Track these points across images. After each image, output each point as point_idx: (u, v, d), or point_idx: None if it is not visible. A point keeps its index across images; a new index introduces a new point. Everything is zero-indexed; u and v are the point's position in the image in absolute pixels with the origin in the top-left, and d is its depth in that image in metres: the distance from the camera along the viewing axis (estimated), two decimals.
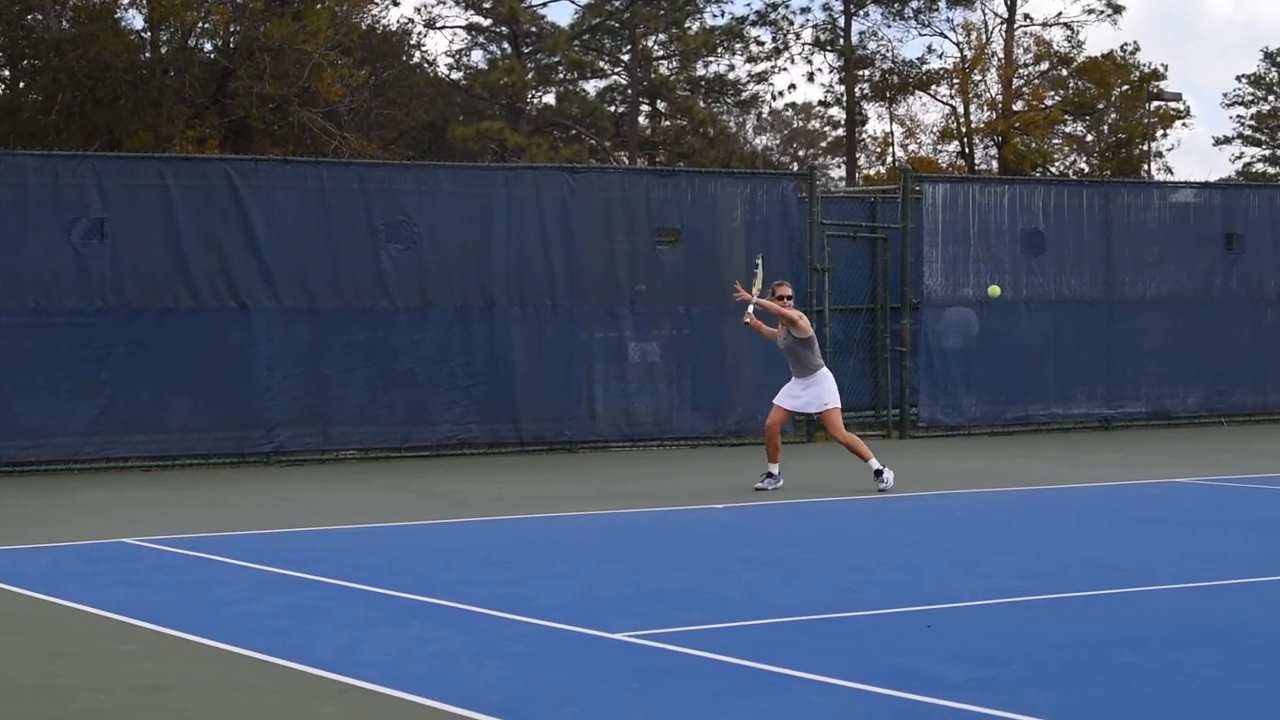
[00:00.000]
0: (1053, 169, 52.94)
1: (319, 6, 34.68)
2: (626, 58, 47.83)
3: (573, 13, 48.94)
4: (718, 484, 16.20)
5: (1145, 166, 51.80)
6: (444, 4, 46.87)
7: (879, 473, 15.37)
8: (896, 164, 53.08)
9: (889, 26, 58.61)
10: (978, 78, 51.39)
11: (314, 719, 7.13)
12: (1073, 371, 22.76)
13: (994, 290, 20.05)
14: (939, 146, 54.31)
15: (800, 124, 71.80)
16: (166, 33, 34.58)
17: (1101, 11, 51.48)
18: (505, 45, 47.50)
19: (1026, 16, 55.22)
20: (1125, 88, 51.36)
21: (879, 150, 58.07)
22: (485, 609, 9.39)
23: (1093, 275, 22.88)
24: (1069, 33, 52.22)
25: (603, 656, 8.23)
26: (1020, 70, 51.37)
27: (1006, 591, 10.06)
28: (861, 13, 51.72)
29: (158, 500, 15.50)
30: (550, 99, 48.45)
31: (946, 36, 57.86)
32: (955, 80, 51.71)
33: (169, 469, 18.06)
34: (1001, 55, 51.13)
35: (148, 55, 34.15)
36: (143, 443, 18.13)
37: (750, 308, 15.56)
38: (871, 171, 57.55)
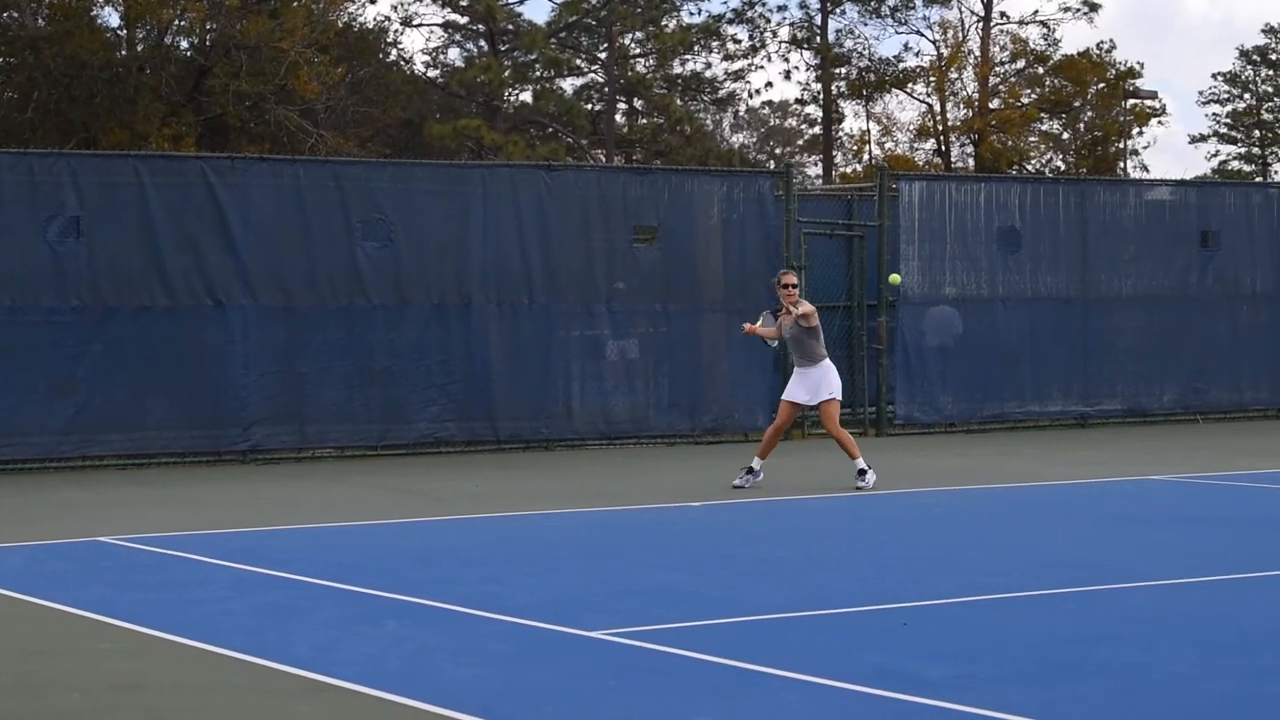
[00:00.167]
0: (1029, 167, 53.10)
1: (295, 4, 34.56)
2: (603, 55, 47.83)
3: (549, 10, 48.97)
4: (695, 482, 16.20)
5: (1121, 164, 51.98)
6: (421, 2, 46.97)
7: (862, 472, 15.41)
8: (873, 162, 53.25)
9: (865, 24, 58.91)
10: (954, 76, 51.56)
11: (291, 718, 7.12)
12: (1049, 369, 22.79)
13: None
14: (915, 144, 54.48)
15: (777, 122, 71.89)
16: (142, 30, 34.47)
17: (1078, 9, 51.68)
18: (482, 43, 47.47)
19: (1003, 14, 55.34)
20: (1101, 85, 51.55)
21: (856, 148, 58.26)
22: (463, 607, 9.37)
23: (1069, 273, 22.92)
24: (1045, 30, 52.47)
25: (580, 655, 8.22)
26: (996, 68, 51.52)
27: (983, 589, 10.08)
28: (838, 10, 51.85)
29: (134, 499, 15.46)
30: (527, 97, 48.48)
31: (923, 34, 57.98)
32: (932, 78, 51.85)
33: (145, 467, 18.00)
34: (978, 53, 51.28)
35: (124, 53, 34.04)
36: (119, 441, 18.08)
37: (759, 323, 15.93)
38: (848, 169, 57.71)
